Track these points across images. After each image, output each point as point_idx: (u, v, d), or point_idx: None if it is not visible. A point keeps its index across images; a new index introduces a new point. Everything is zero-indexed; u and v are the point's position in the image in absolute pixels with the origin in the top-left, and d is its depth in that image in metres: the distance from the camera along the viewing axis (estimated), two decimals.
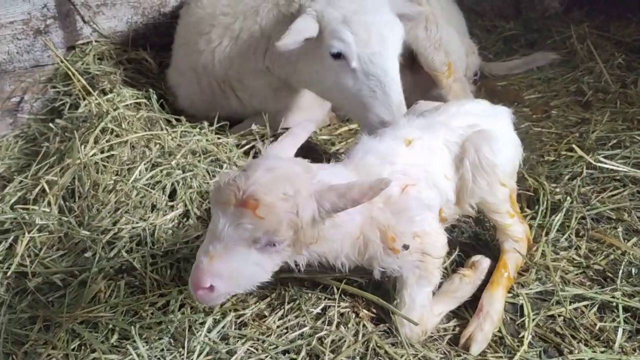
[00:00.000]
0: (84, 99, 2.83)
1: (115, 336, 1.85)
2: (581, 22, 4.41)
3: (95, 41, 3.38)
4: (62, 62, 3.01)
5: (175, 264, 2.11)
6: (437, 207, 1.95)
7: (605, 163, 2.60)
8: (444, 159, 1.99)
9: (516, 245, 2.10)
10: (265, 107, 2.94)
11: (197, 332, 1.81)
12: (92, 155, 2.26)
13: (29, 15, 3.17)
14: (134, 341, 1.78)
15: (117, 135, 2.38)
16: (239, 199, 1.49)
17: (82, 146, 2.28)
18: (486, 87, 3.83)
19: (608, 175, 2.59)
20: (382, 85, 2.38)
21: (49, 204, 2.18)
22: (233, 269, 1.55)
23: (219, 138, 2.62)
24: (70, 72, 2.82)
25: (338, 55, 2.40)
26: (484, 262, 2.10)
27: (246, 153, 2.61)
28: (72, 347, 1.80)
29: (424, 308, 1.89)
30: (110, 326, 1.86)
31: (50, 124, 2.69)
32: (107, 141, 2.33)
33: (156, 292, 2.00)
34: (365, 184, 1.56)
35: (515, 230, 2.11)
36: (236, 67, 2.82)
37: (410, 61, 3.56)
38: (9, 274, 2.00)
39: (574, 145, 2.72)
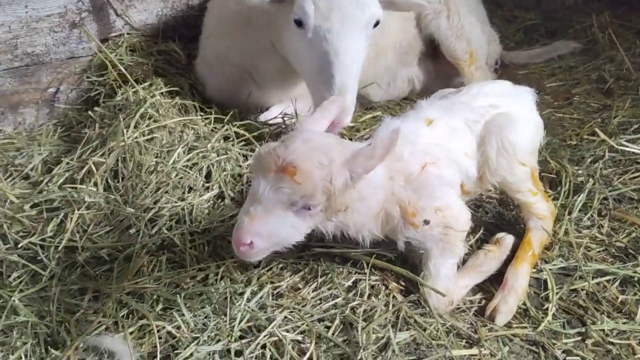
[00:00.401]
0: (120, 87, 2.96)
1: (160, 305, 1.96)
2: (601, 12, 4.42)
3: (127, 33, 3.50)
4: (100, 52, 3.14)
5: (212, 241, 2.23)
6: (458, 183, 2.04)
7: (627, 146, 2.65)
8: (465, 137, 2.08)
9: (541, 223, 2.17)
10: (281, 93, 3.02)
11: (237, 302, 1.92)
12: (135, 138, 2.38)
13: (65, 9, 3.30)
14: (179, 310, 1.89)
15: (155, 121, 2.50)
16: (279, 165, 1.65)
17: (125, 130, 2.41)
18: (507, 76, 3.82)
19: (630, 158, 2.64)
20: (329, 65, 2.35)
21: (96, 184, 2.30)
22: (271, 228, 1.71)
23: (249, 124, 2.73)
24: (107, 62, 2.94)
25: (300, 24, 2.41)
26: (508, 238, 2.17)
27: (277, 135, 2.71)
28: (120, 314, 1.93)
29: (448, 279, 1.98)
30: (155, 296, 1.97)
31: (89, 112, 2.82)
32: (147, 126, 2.45)
33: (195, 266, 2.11)
34: (384, 138, 1.72)
35: (539, 207, 2.17)
36: (250, 51, 2.89)
37: (433, 50, 3.64)
38: (59, 248, 2.13)
39: (596, 129, 2.77)
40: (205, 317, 1.87)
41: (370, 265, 2.04)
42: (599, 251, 2.22)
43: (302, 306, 1.93)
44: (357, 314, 1.89)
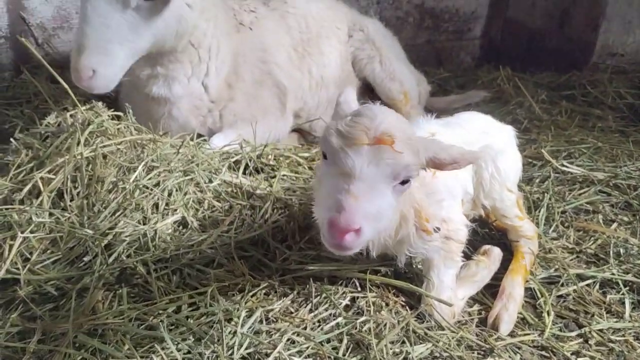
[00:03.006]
0: (45, 117, 2.59)
1: (127, 345, 1.61)
2: (499, 68, 4.91)
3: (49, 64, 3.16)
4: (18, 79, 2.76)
5: (180, 269, 1.94)
6: (460, 197, 2.01)
7: (568, 167, 2.85)
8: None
9: (530, 243, 2.19)
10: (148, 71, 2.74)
11: (227, 329, 1.64)
12: (91, 151, 2.04)
13: None
14: (151, 348, 1.56)
15: (108, 138, 2.18)
16: (373, 137, 1.47)
17: (77, 146, 2.06)
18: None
19: (570, 178, 2.83)
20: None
21: (41, 203, 1.91)
22: (379, 208, 1.50)
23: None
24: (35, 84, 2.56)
25: None
26: (496, 249, 2.16)
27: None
28: (78, 359, 1.55)
29: (451, 290, 1.90)
30: (121, 334, 1.62)
31: (12, 140, 2.40)
32: (100, 142, 2.13)
33: (164, 298, 1.80)
34: (462, 149, 1.63)
35: (526, 229, 2.22)
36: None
37: (369, 93, 3.75)
38: None
39: (542, 150, 2.96)
40: (189, 351, 1.56)
41: (367, 281, 1.89)
42: (572, 259, 2.28)
43: (303, 329, 1.70)
44: (365, 332, 1.70)
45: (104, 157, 2.09)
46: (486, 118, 2.29)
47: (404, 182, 1.55)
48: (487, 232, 2.44)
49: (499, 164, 2.08)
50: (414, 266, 2.02)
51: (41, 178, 1.95)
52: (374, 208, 1.48)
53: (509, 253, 2.21)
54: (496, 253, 2.14)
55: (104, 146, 2.11)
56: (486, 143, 2.07)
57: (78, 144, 2.06)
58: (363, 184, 1.46)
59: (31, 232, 1.83)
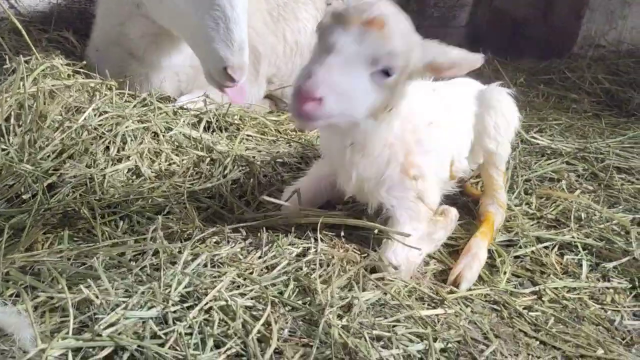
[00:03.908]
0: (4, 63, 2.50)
1: (63, 283, 1.54)
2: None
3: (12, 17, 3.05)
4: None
5: (129, 216, 1.87)
6: (447, 159, 2.03)
7: (538, 139, 2.83)
8: (467, 109, 2.14)
9: (499, 212, 2.17)
10: (156, 61, 2.68)
11: (169, 271, 1.58)
12: (37, 89, 1.96)
13: None
14: (87, 284, 1.50)
15: (58, 79, 2.10)
16: (365, 18, 1.46)
17: (21, 82, 1.98)
18: None
19: (540, 149, 2.82)
20: (226, 19, 2.20)
21: None
22: (348, 84, 1.45)
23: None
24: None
25: None
26: (453, 210, 2.12)
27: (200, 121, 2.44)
28: (8, 294, 1.47)
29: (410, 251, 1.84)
30: (57, 272, 1.55)
31: None
32: (50, 82, 2.04)
33: (108, 241, 1.74)
34: (463, 52, 1.61)
35: (501, 195, 2.22)
36: (116, 20, 2.61)
37: None
38: None
39: None
40: (128, 287, 1.49)
41: (319, 226, 1.83)
42: (532, 224, 2.26)
43: (250, 273, 1.65)
44: (313, 278, 1.65)
45: (52, 96, 2.01)
46: (476, 83, 2.35)
47: (386, 74, 1.51)
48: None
49: (504, 110, 2.14)
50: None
51: None
52: (343, 83, 1.43)
53: (465, 215, 2.20)
54: (453, 214, 2.10)
55: (52, 85, 2.02)
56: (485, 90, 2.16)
57: (23, 82, 1.97)
58: (339, 58, 1.43)
59: None
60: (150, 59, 2.66)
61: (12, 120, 1.89)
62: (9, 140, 1.85)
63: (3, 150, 1.82)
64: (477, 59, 1.62)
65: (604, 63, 4.67)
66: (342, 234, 1.86)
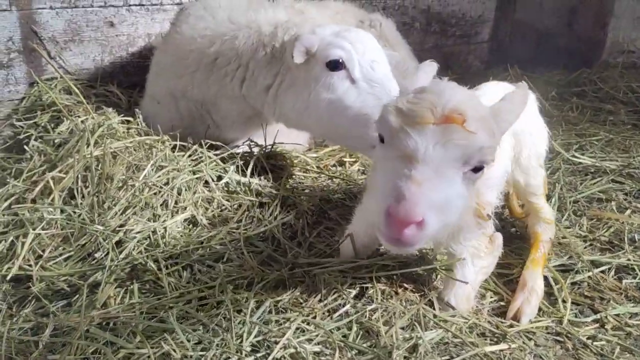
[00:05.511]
0: (57, 126, 2.65)
1: (138, 338, 1.62)
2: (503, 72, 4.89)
3: (60, 77, 3.24)
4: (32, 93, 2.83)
5: (190, 265, 1.95)
6: (502, 186, 1.94)
7: (579, 158, 2.82)
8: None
9: (548, 228, 2.13)
10: (235, 134, 2.88)
11: (236, 320, 1.64)
12: (101, 151, 2.08)
13: None
14: (164, 337, 1.57)
15: (117, 139, 2.23)
16: (440, 115, 1.27)
17: (86, 147, 2.10)
18: None
19: (583, 169, 2.81)
20: (388, 90, 2.23)
21: (53, 201, 1.95)
22: (446, 197, 1.28)
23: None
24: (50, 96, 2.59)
25: (336, 67, 2.31)
26: (499, 236, 2.12)
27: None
28: (90, 350, 1.56)
29: (472, 289, 1.85)
30: (133, 326, 1.64)
31: (25, 147, 2.46)
32: (109, 143, 2.16)
33: (174, 293, 1.81)
34: (515, 92, 1.49)
35: (547, 212, 2.17)
36: (213, 92, 2.75)
37: None
38: (8, 278, 1.73)
39: (553, 142, 2.92)
40: (201, 341, 1.56)
41: (375, 272, 1.88)
42: (585, 247, 2.25)
43: (313, 317, 1.69)
44: (374, 319, 1.69)
45: (114, 156, 2.13)
46: (505, 85, 2.14)
47: (477, 170, 1.33)
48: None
49: (533, 136, 2.00)
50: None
51: (52, 178, 1.99)
52: (440, 197, 1.26)
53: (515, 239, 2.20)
54: (500, 240, 2.09)
55: (113, 146, 2.14)
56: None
57: (88, 145, 2.10)
58: (428, 168, 1.24)
59: (43, 229, 1.86)
60: (233, 132, 2.82)
61: (79, 182, 2.01)
62: (80, 202, 1.96)
63: (73, 212, 1.93)
64: (525, 95, 1.54)
65: (637, 70, 4.62)
66: (398, 273, 1.89)
